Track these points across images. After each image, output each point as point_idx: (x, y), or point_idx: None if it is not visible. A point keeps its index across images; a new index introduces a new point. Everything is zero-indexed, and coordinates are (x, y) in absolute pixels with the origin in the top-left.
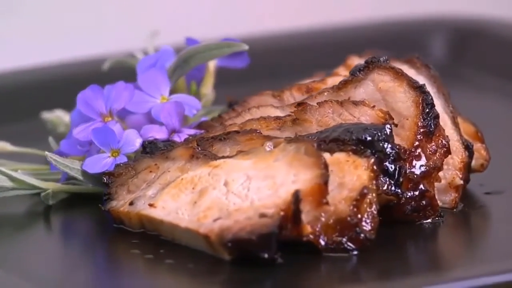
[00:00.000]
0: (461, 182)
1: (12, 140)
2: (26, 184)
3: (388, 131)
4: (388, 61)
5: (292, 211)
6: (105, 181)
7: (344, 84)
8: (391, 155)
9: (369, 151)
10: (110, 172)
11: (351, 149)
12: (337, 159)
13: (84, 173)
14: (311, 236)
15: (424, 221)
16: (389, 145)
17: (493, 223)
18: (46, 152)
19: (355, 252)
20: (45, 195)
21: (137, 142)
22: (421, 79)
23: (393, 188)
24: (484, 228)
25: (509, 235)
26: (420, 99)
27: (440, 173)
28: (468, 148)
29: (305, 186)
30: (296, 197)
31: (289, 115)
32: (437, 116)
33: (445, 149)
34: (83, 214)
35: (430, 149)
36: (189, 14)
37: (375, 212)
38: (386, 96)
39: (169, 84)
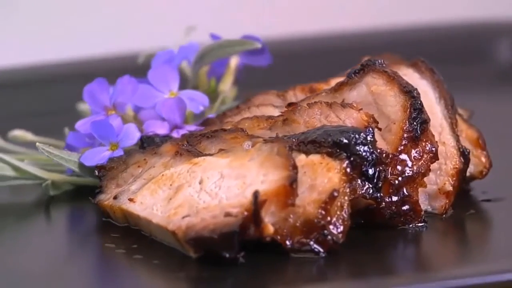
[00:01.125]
0: (451, 188)
1: (43, 132)
2: (29, 174)
3: (366, 134)
4: (383, 65)
5: (252, 211)
6: (97, 174)
7: (340, 86)
8: (370, 158)
9: (344, 154)
10: (102, 165)
11: (326, 151)
12: (311, 161)
13: (81, 165)
14: (278, 237)
15: (407, 226)
16: (368, 149)
17: (481, 229)
18: (37, 143)
19: (322, 254)
20: (45, 185)
21: (136, 137)
22: (424, 84)
23: (371, 192)
24: (469, 234)
25: (495, 240)
26: (409, 103)
27: (432, 178)
28: (464, 154)
29: (271, 187)
30: (255, 198)
31: (280, 115)
32: (424, 122)
33: (432, 154)
34: (81, 207)
35: (416, 154)
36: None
37: (345, 216)
38: (377, 99)
39: (178, 79)
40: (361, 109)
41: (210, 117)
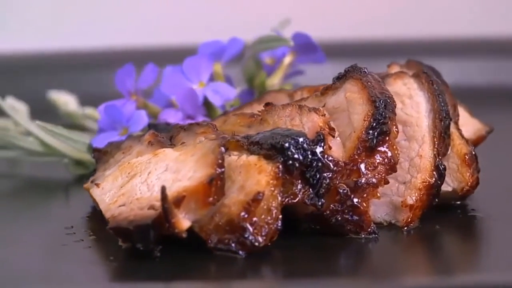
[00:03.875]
0: (413, 202)
1: None
2: (55, 151)
3: (305, 140)
4: (366, 72)
5: (161, 206)
6: (93, 157)
7: (325, 91)
8: (314, 164)
9: (280, 157)
10: (98, 148)
11: (264, 153)
12: (248, 162)
13: (89, 147)
14: (203, 234)
15: (359, 236)
16: (307, 154)
17: (436, 245)
18: (37, 121)
19: (242, 255)
20: (65, 163)
21: (143, 123)
22: (420, 95)
23: (312, 198)
24: (418, 249)
25: (443, 257)
26: (370, 113)
27: (401, 190)
28: (438, 169)
29: (192, 184)
30: (162, 192)
31: (258, 115)
32: (383, 133)
33: (389, 166)
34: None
35: (370, 164)
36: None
37: (270, 220)
38: (349, 106)
39: (211, 71)
40: (324, 114)
41: (229, 110)
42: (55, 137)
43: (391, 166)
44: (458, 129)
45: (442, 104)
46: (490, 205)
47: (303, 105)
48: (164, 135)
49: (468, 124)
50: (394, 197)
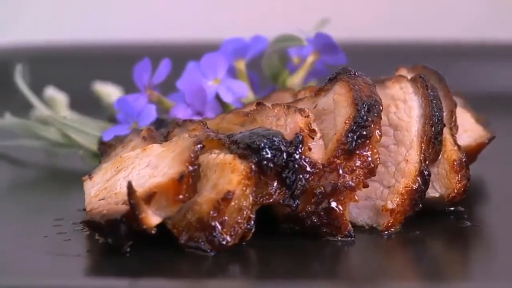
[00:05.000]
0: (393, 206)
1: None
2: (74, 142)
3: (281, 141)
4: (355, 75)
5: (128, 202)
6: (98, 150)
7: (318, 92)
8: (290, 165)
9: (254, 157)
10: (103, 141)
11: (240, 152)
12: (223, 161)
13: (99, 140)
14: (174, 231)
15: (333, 238)
16: (281, 154)
17: (411, 250)
18: (48, 114)
19: (211, 254)
20: (81, 154)
21: (152, 117)
22: (414, 99)
23: (287, 198)
24: (394, 253)
25: (419, 262)
26: (352, 116)
27: (384, 194)
28: (422, 175)
29: (163, 180)
30: (129, 188)
31: (250, 114)
32: (363, 137)
33: (367, 170)
34: None
35: (348, 167)
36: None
37: (241, 220)
38: (335, 108)
39: (227, 67)
40: (308, 116)
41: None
42: (67, 129)
43: (370, 170)
44: (452, 135)
45: (435, 109)
46: (483, 214)
47: (291, 105)
48: (163, 130)
49: (471, 130)
50: (378, 201)
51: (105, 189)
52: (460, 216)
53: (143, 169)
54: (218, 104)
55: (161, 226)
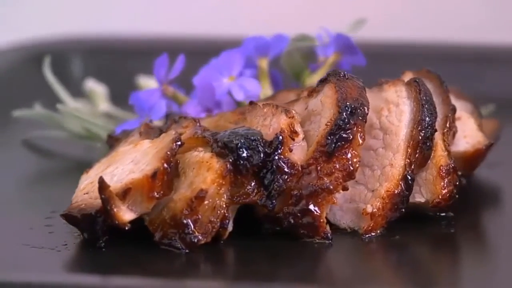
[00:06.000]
0: (373, 210)
1: None
2: (94, 135)
3: (258, 141)
4: (345, 77)
5: (100, 196)
6: (107, 143)
7: (311, 92)
8: (268, 166)
9: (230, 156)
10: (111, 135)
11: (218, 151)
12: (202, 159)
13: (108, 134)
14: (150, 228)
15: (310, 239)
16: (259, 155)
17: (387, 255)
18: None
19: (183, 251)
20: (99, 147)
21: (161, 112)
22: (406, 103)
23: (264, 199)
24: (370, 258)
25: (392, 267)
26: (333, 119)
27: (368, 198)
28: (406, 179)
29: (138, 177)
30: (99, 183)
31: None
32: (343, 139)
33: (346, 173)
34: None
35: (327, 169)
36: None
37: (213, 218)
38: (322, 110)
39: (242, 65)
40: (293, 116)
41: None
42: (82, 122)
43: (349, 173)
44: (444, 141)
45: (426, 114)
46: (479, 220)
47: (280, 106)
48: (163, 126)
49: (470, 136)
50: (361, 204)
51: (91, 184)
52: (449, 222)
53: (127, 164)
54: (232, 102)
55: (141, 223)
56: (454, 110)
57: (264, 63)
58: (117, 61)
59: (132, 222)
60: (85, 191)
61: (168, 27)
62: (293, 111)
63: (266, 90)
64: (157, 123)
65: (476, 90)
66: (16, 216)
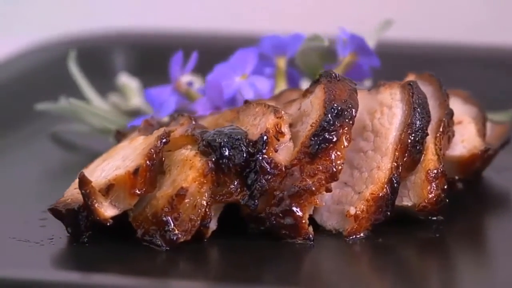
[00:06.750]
0: (355, 212)
1: None
2: (108, 129)
3: (241, 140)
4: (338, 79)
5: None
6: (115, 138)
7: (305, 93)
8: (252, 165)
9: (213, 155)
10: (119, 130)
11: (202, 149)
12: (186, 157)
13: (116, 129)
14: (134, 224)
15: (292, 240)
16: (242, 154)
17: (369, 257)
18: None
19: (163, 249)
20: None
21: (169, 109)
22: (399, 106)
23: (246, 198)
24: (348, 261)
25: (369, 272)
26: (319, 120)
27: (353, 200)
28: (391, 182)
29: (122, 173)
30: (80, 178)
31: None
32: (327, 141)
33: (329, 174)
34: None
35: (310, 170)
36: None
37: (194, 217)
38: (311, 111)
39: (255, 63)
40: (281, 117)
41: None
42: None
43: (332, 175)
44: (436, 145)
45: (417, 117)
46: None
47: (271, 105)
48: (165, 123)
49: (467, 141)
50: (346, 206)
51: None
52: (438, 226)
53: (117, 160)
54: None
55: (126, 219)
56: (450, 114)
57: (282, 63)
58: (158, 57)
59: (117, 218)
60: (75, 186)
61: (209, 23)
62: (282, 112)
63: (281, 88)
64: (166, 119)
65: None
66: (19, 210)
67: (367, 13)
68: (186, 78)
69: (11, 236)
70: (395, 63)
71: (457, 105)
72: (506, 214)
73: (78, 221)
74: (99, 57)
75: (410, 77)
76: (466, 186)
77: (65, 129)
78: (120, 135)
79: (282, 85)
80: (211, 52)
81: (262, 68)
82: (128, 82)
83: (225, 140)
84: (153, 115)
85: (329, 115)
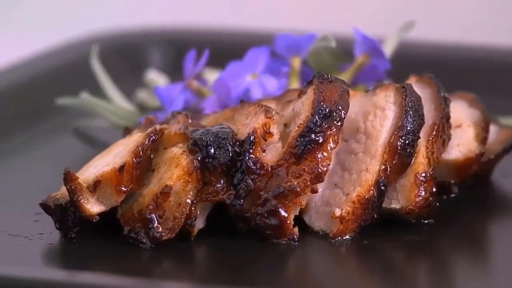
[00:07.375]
0: (340, 214)
1: None
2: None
3: (227, 140)
4: (330, 80)
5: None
6: (123, 135)
7: (299, 94)
8: (239, 165)
9: (199, 153)
10: (127, 127)
11: (189, 148)
12: (174, 154)
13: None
14: (121, 221)
15: (277, 240)
16: (228, 154)
17: (355, 259)
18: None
19: (147, 246)
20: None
21: (177, 107)
22: (392, 109)
23: (232, 198)
24: (333, 263)
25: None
26: (305, 121)
27: (341, 201)
28: (378, 185)
29: (108, 169)
30: (65, 174)
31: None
32: (313, 142)
33: (314, 175)
34: None
35: (295, 171)
36: None
37: (178, 215)
38: (301, 112)
39: (266, 62)
40: (271, 117)
41: None
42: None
43: (317, 176)
44: (427, 148)
45: (409, 120)
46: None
47: (264, 105)
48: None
49: (464, 145)
50: (334, 207)
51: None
52: (429, 229)
53: (110, 157)
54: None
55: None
56: (446, 117)
57: (296, 62)
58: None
59: (106, 214)
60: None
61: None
62: (273, 112)
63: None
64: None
65: None
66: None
67: (367, 13)
68: (204, 75)
69: (3, 230)
70: (414, 64)
71: (461, 108)
72: (504, 218)
73: (66, 216)
74: (133, 53)
75: (411, 80)
76: (467, 190)
77: (87, 124)
78: (127, 132)
79: (295, 85)
80: (240, 49)
81: (275, 67)
82: (155, 78)
83: (211, 139)
84: (155, 113)
85: (317, 116)
